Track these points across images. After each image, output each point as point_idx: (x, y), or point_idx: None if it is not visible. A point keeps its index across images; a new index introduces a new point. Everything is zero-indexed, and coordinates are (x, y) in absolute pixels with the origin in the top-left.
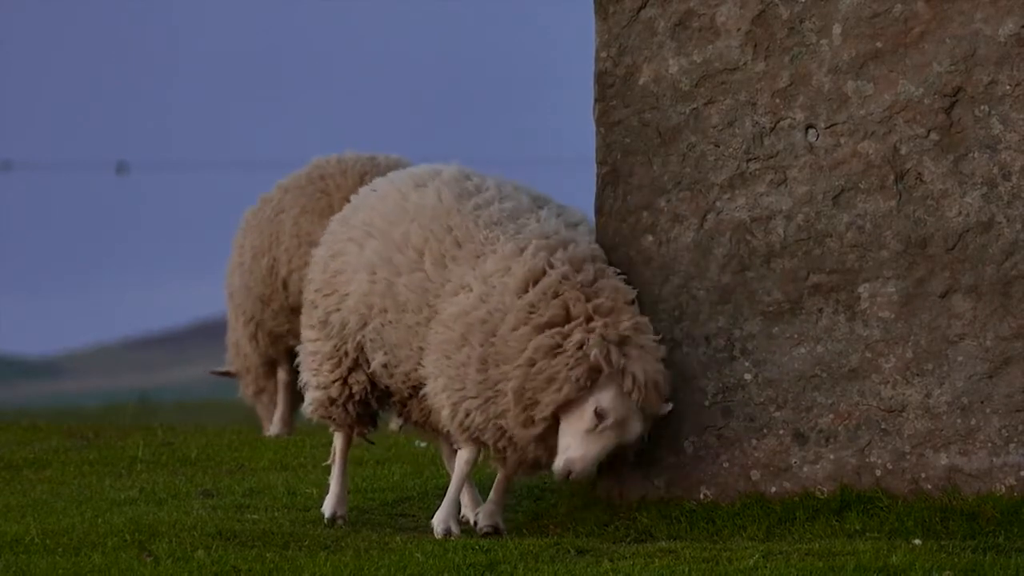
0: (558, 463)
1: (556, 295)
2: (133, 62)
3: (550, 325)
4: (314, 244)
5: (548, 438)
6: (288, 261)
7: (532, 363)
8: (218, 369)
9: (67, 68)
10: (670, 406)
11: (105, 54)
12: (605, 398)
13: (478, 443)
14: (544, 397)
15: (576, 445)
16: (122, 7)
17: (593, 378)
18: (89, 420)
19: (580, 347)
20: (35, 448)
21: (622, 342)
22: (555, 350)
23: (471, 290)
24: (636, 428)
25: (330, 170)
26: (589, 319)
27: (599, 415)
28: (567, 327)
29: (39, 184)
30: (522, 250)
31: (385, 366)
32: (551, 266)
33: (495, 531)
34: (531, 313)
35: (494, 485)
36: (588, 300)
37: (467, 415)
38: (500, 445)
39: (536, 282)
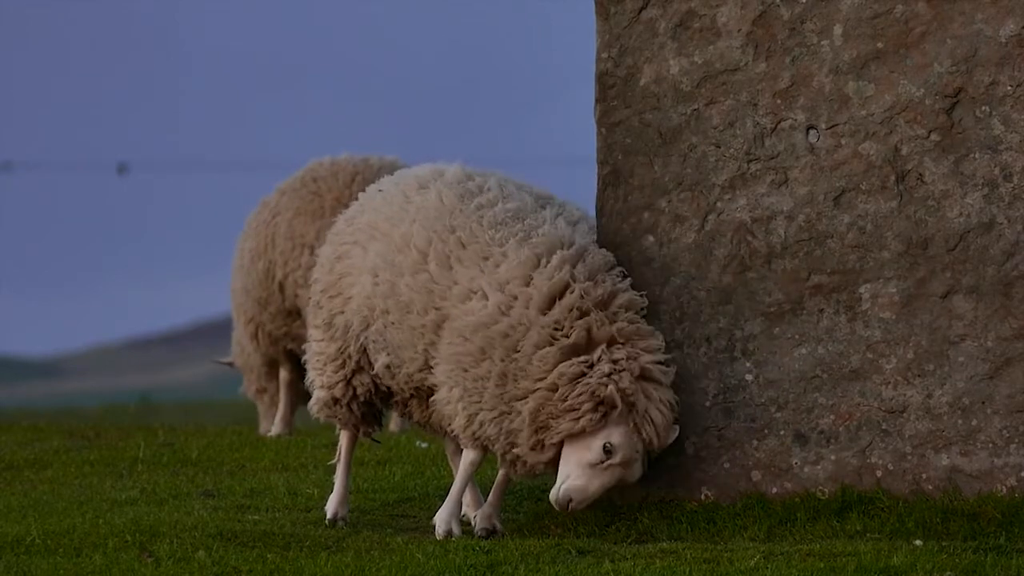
0: (556, 492)
1: (581, 315)
2: (134, 62)
3: (575, 350)
4: (308, 246)
5: (556, 460)
6: (284, 264)
7: (554, 388)
8: (222, 359)
9: (68, 68)
10: (676, 431)
11: (106, 54)
12: (617, 435)
13: (486, 450)
14: (559, 425)
15: (577, 475)
16: (124, 7)
17: (608, 414)
18: (89, 420)
19: (605, 381)
20: (36, 448)
21: (643, 375)
22: (579, 378)
23: (486, 298)
24: (639, 470)
25: (322, 172)
26: (612, 342)
27: (607, 451)
28: (593, 354)
29: (40, 184)
30: (539, 257)
31: (388, 367)
32: (574, 279)
33: (492, 533)
34: (556, 331)
35: (493, 487)
36: (611, 323)
37: (481, 426)
38: (509, 456)
39: (560, 297)
